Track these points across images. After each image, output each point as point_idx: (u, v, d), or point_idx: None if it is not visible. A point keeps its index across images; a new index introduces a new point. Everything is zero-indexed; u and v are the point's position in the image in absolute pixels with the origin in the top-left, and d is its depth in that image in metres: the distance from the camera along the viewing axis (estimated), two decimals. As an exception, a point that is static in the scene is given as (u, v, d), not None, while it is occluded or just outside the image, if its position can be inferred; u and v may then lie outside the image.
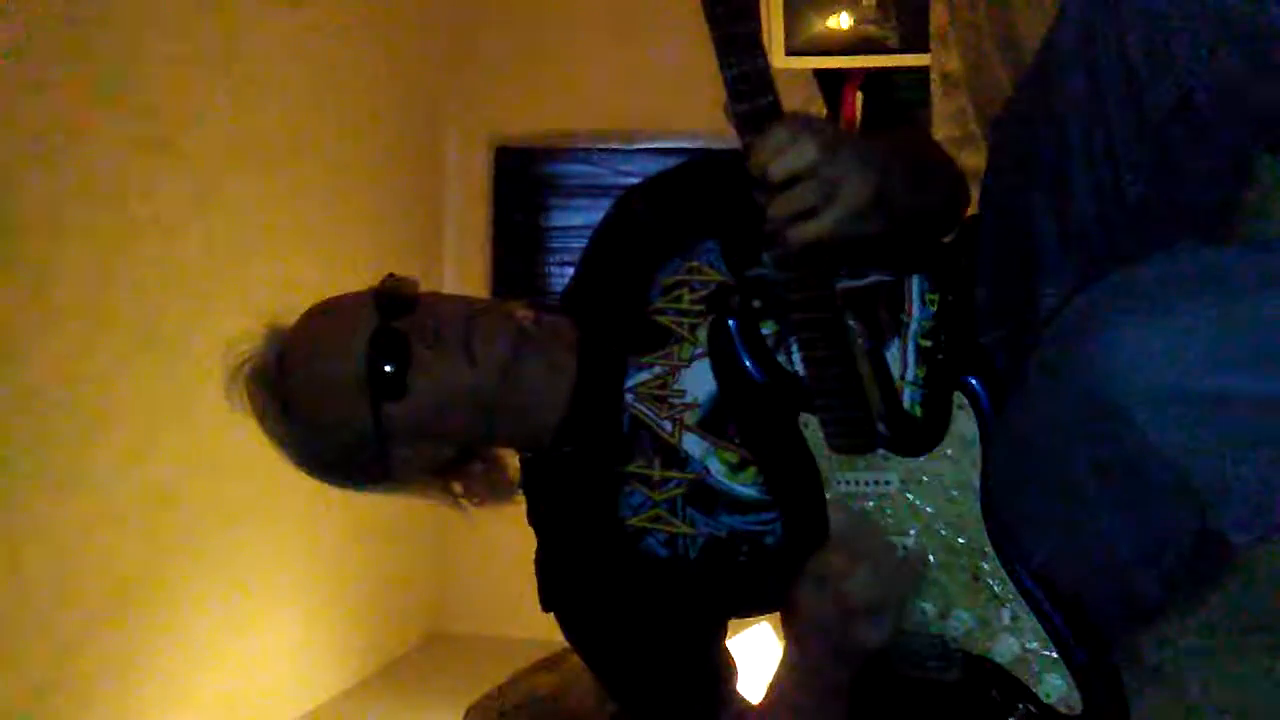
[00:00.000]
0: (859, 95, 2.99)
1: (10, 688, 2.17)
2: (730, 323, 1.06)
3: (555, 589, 1.19)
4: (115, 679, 2.43)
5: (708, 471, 1.11)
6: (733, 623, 1.23)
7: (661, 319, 1.16)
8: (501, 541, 1.66)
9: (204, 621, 2.70)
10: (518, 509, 1.23)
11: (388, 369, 1.09)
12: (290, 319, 1.17)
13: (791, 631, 1.06)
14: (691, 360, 1.13)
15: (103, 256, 2.36)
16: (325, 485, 1.21)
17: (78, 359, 2.30)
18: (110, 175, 2.38)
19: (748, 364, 1.05)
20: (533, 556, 1.21)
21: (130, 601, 2.46)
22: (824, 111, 2.95)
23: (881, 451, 1.02)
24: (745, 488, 1.11)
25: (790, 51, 2.86)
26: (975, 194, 1.19)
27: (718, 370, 1.08)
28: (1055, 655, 0.98)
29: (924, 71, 2.46)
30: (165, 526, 2.55)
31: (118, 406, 2.41)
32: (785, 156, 0.87)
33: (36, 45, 2.18)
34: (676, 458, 1.12)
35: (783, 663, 1.09)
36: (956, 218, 1.19)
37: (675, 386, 1.13)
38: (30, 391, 2.20)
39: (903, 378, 1.08)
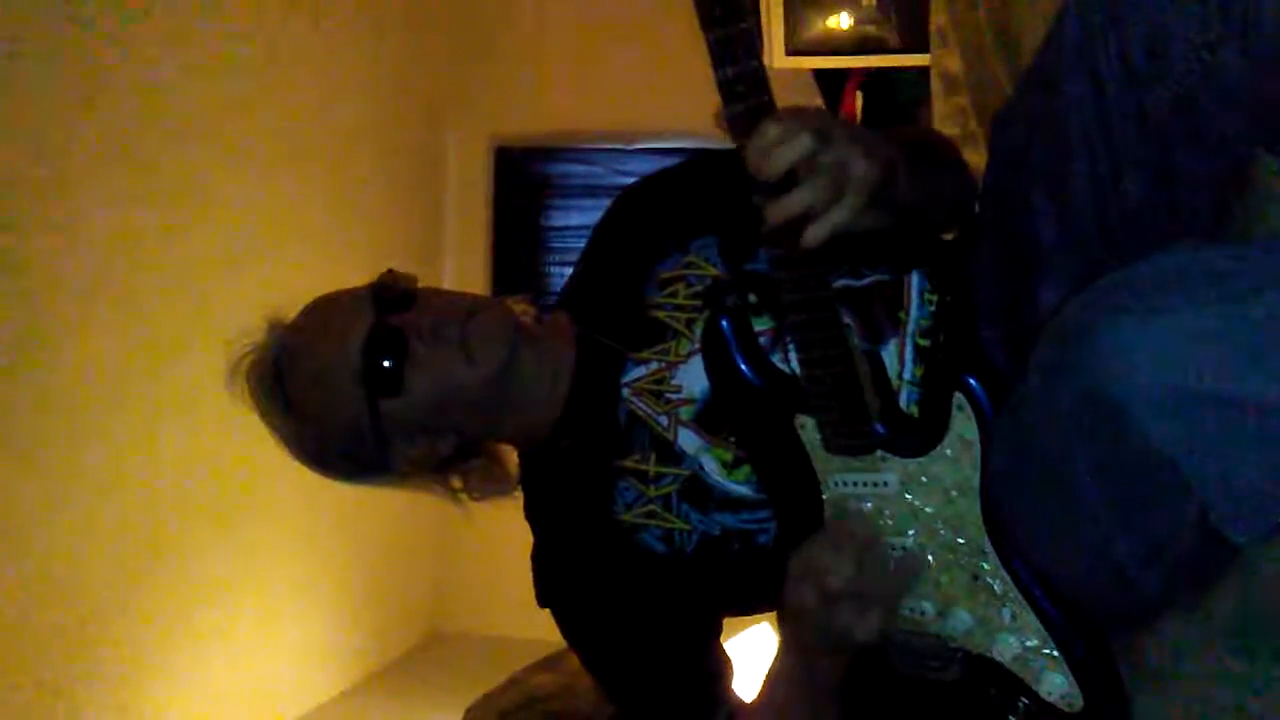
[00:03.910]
0: (859, 95, 2.99)
1: (11, 688, 2.17)
2: (724, 323, 1.05)
3: (551, 584, 1.19)
4: (115, 679, 2.42)
5: (702, 468, 1.11)
6: (731, 622, 1.23)
7: (658, 314, 1.15)
8: (501, 542, 1.65)
9: (204, 622, 2.70)
10: (517, 508, 1.23)
11: (385, 365, 1.09)
12: (291, 314, 1.17)
13: (783, 627, 1.06)
14: (688, 356, 1.12)
15: (103, 257, 2.36)
16: (325, 485, 1.22)
17: (78, 359, 2.30)
18: (110, 175, 2.38)
19: (742, 366, 1.05)
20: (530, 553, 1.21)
21: (130, 601, 2.45)
22: (823, 112, 2.95)
23: (880, 452, 1.01)
24: (739, 486, 1.11)
25: (790, 51, 2.86)
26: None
27: (712, 371, 1.08)
28: (1056, 653, 0.98)
29: (924, 71, 2.45)
30: (165, 526, 2.55)
31: (118, 406, 2.41)
32: (778, 152, 0.86)
33: (35, 45, 2.18)
34: (671, 453, 1.12)
35: (776, 659, 1.09)
36: (963, 208, 1.19)
37: (671, 382, 1.13)
38: (31, 392, 2.20)
39: (901, 377, 1.07)
